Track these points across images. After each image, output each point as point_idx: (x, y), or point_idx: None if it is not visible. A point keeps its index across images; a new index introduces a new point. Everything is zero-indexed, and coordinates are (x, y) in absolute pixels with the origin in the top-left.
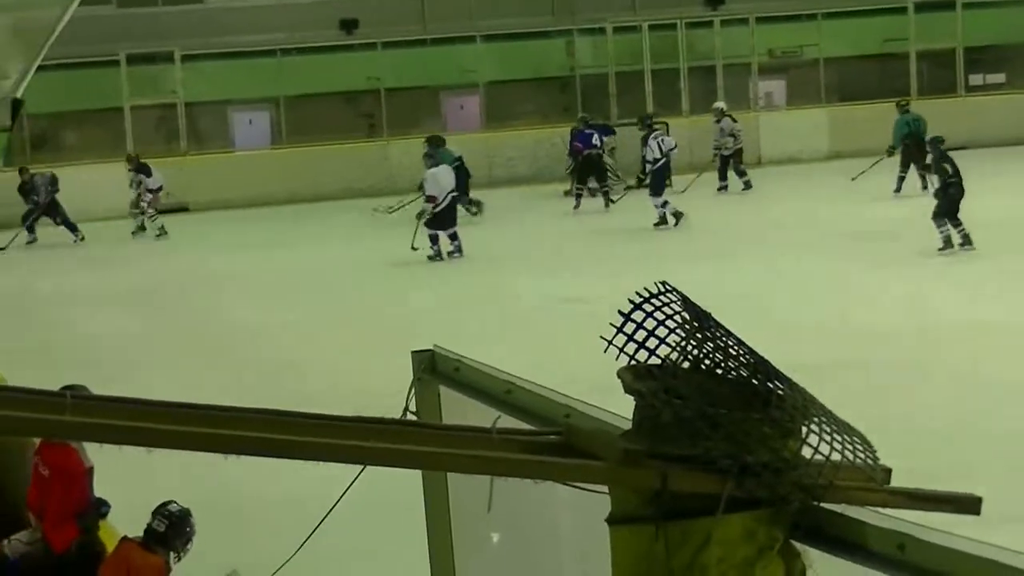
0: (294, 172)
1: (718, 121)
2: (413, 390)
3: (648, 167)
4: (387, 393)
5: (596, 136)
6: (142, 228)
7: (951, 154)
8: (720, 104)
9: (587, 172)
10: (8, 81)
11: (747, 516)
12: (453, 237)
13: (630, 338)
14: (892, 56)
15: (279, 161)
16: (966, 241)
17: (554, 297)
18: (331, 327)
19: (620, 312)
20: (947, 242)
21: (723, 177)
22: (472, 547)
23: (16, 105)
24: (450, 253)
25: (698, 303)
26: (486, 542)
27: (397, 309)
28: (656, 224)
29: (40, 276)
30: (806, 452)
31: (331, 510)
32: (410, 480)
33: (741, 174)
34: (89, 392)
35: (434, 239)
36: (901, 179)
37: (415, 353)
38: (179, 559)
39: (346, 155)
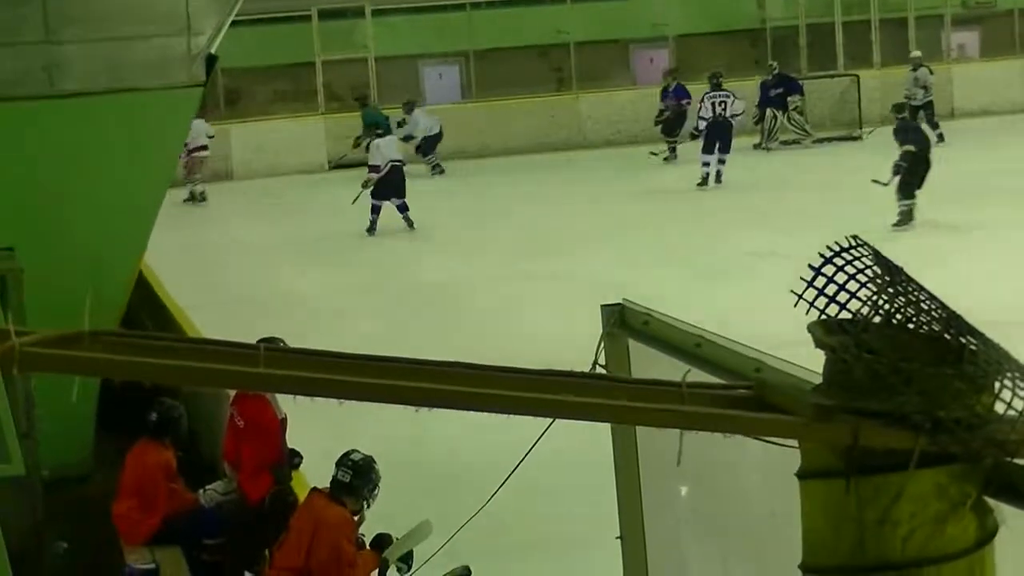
0: (484, 126)
1: (914, 70)
2: (602, 344)
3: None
4: (577, 347)
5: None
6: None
7: None
8: (917, 53)
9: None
10: (202, 37)
11: (939, 472)
12: (401, 208)
13: (820, 292)
14: None
15: (469, 115)
16: None
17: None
18: (523, 281)
19: (811, 266)
20: None
21: None
22: (661, 501)
23: (211, 61)
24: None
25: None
26: (675, 496)
27: (584, 265)
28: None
29: (237, 228)
30: (999, 408)
31: (520, 463)
32: (598, 435)
33: (935, 126)
34: (284, 344)
35: (375, 209)
36: None
37: (604, 307)
38: (368, 506)
39: (536, 109)
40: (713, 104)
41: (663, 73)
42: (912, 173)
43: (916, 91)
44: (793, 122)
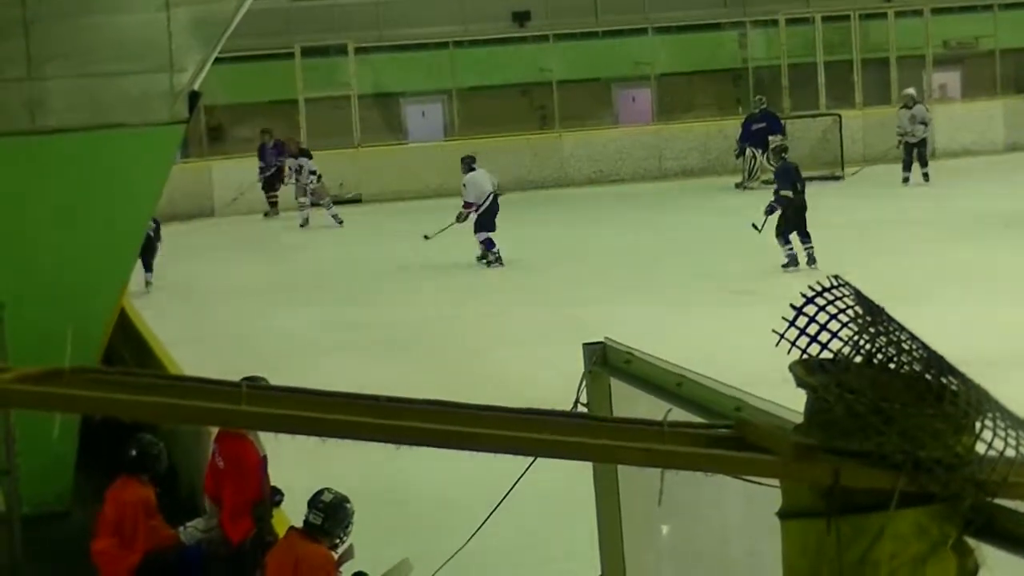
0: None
1: (909, 107)
2: (584, 382)
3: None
4: (557, 386)
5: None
6: (307, 222)
7: None
8: (911, 90)
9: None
10: (185, 74)
11: (920, 512)
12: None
13: (802, 332)
14: None
15: (452, 153)
16: None
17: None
18: (505, 317)
19: (792, 306)
20: None
21: (908, 168)
22: (642, 540)
23: (193, 98)
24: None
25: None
26: (656, 535)
27: (566, 302)
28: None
29: (214, 266)
30: (980, 448)
31: (501, 501)
32: (579, 474)
33: (924, 164)
34: (266, 382)
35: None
36: None
37: (586, 346)
38: (342, 542)
39: (519, 147)
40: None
41: (260, 131)
42: (786, 218)
43: (916, 127)
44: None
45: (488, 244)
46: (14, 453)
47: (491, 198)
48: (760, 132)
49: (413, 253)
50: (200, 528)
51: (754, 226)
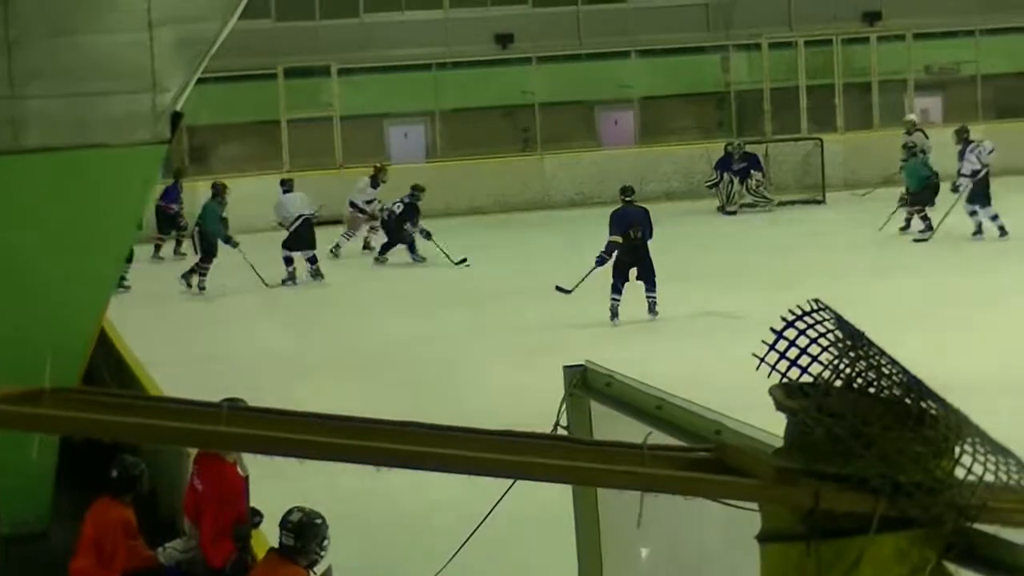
0: (449, 186)
1: (909, 134)
2: (564, 404)
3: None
4: (537, 408)
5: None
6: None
7: None
8: (912, 116)
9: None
10: (168, 94)
11: (900, 536)
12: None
13: (782, 355)
14: None
15: (434, 175)
16: None
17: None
18: (480, 341)
19: (772, 330)
20: None
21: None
22: (621, 562)
23: (175, 118)
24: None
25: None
26: (635, 557)
27: (547, 324)
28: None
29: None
30: (960, 472)
31: (480, 524)
32: (559, 496)
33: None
34: (245, 404)
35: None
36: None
37: (567, 368)
38: (321, 558)
39: (501, 169)
40: (977, 155)
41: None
42: (614, 265)
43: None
44: (751, 192)
45: (287, 261)
46: None
47: (300, 220)
48: (741, 171)
49: (394, 274)
50: (179, 549)
51: (560, 289)
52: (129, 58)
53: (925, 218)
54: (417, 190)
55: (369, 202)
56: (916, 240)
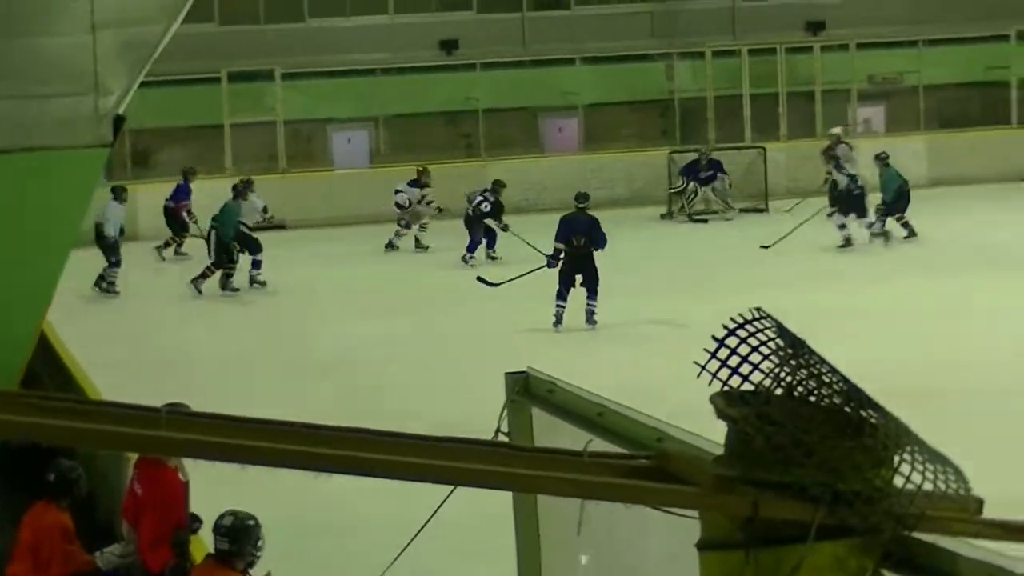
0: (393, 191)
1: (831, 147)
2: (506, 411)
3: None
4: (478, 415)
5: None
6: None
7: None
8: (837, 130)
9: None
10: (111, 97)
11: (838, 544)
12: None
13: (723, 363)
14: (993, 84)
15: (378, 180)
16: None
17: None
18: (425, 346)
19: (714, 337)
20: None
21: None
22: (561, 569)
23: (118, 122)
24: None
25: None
26: (575, 564)
27: (489, 331)
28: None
29: (139, 290)
30: (898, 481)
31: (420, 530)
32: (499, 502)
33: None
34: (187, 409)
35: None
36: None
37: (509, 375)
38: (257, 559)
39: (444, 175)
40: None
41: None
42: (559, 272)
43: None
44: (717, 193)
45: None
46: None
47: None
48: (708, 178)
49: (333, 279)
50: (117, 554)
51: (482, 279)
52: (72, 60)
53: (906, 224)
54: (499, 185)
55: (426, 201)
56: (906, 238)
